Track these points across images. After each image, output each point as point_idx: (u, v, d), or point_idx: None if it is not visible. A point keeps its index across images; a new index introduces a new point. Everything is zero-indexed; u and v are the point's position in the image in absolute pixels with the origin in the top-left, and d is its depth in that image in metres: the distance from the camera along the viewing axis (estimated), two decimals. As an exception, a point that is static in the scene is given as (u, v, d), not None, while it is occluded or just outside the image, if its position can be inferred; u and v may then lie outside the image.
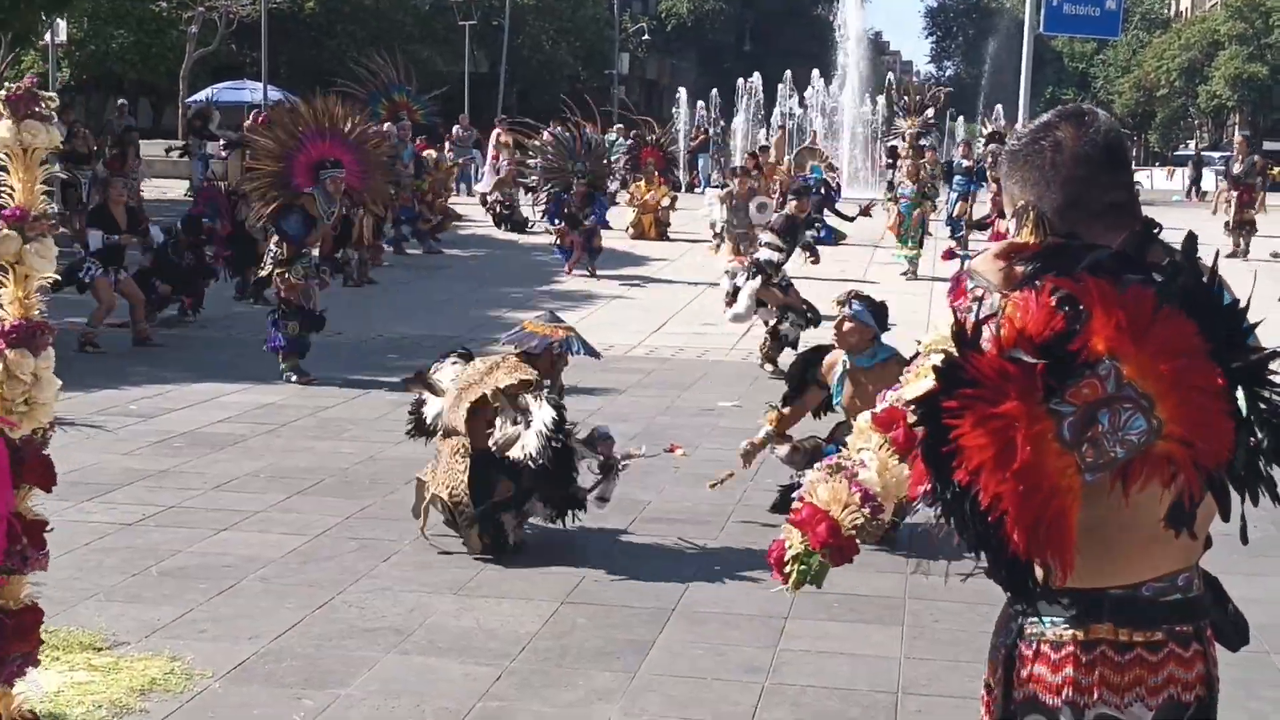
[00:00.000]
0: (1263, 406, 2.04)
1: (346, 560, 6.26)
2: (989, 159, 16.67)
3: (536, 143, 19.25)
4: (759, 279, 11.35)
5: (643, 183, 22.76)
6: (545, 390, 6.36)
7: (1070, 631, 2.24)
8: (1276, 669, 5.18)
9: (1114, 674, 2.21)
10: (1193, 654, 2.25)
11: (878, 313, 7.07)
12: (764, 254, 11.62)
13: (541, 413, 6.18)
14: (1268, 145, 38.38)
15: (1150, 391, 2.00)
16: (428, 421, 6.84)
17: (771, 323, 11.52)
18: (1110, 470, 2.03)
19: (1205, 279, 2.09)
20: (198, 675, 4.87)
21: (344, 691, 4.79)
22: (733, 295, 11.55)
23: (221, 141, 23.86)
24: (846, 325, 6.97)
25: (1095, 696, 2.22)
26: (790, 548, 2.87)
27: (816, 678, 5.04)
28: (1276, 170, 33.78)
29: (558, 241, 18.34)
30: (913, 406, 2.12)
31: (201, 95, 36.51)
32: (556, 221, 18.27)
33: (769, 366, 11.45)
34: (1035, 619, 2.28)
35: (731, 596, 5.91)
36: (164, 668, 4.91)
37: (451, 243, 21.33)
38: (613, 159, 19.88)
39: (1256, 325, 2.09)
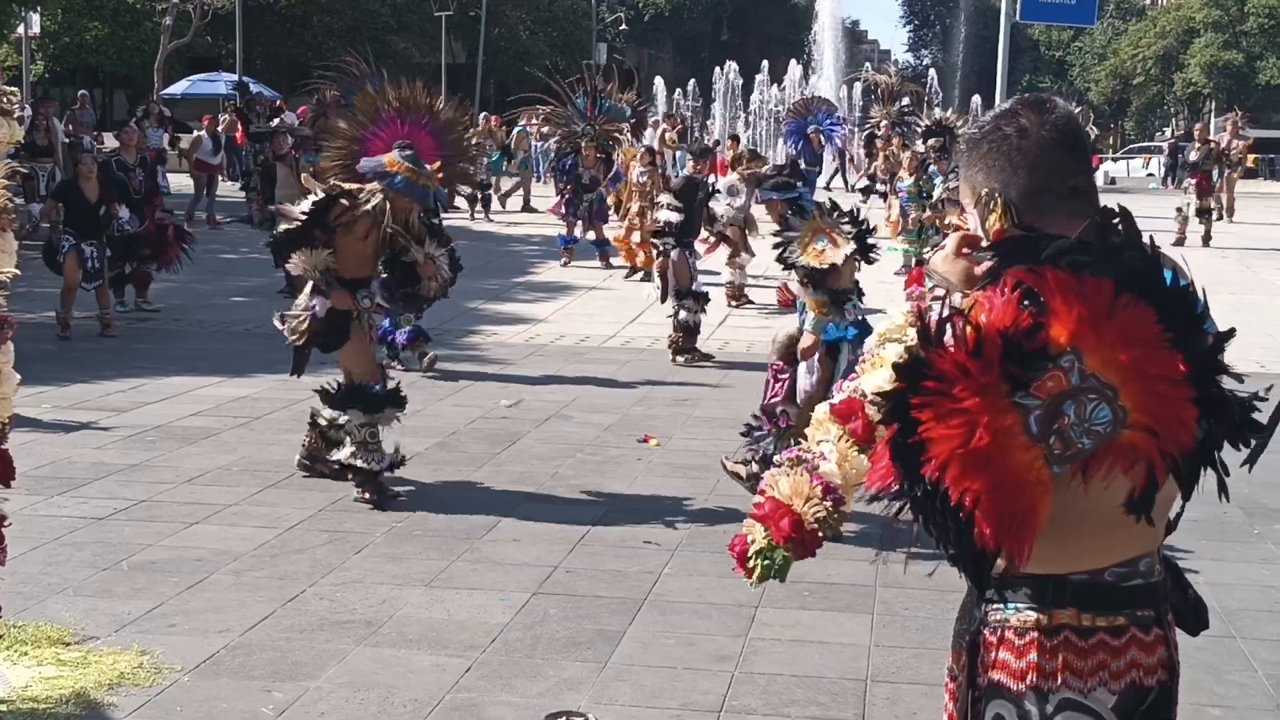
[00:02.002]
0: (1213, 392, 2.06)
1: (318, 553, 6.25)
2: (931, 154, 16.36)
3: (550, 109, 18.55)
4: (658, 254, 11.47)
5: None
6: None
7: (1034, 617, 2.26)
8: (1244, 654, 5.22)
9: (1077, 659, 2.22)
10: (1154, 638, 2.26)
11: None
12: (663, 215, 11.67)
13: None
14: (1246, 131, 38.53)
15: (1114, 381, 2.02)
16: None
17: (672, 312, 11.52)
18: (1078, 461, 2.04)
19: (1155, 263, 2.10)
20: (167, 669, 4.86)
21: (313, 684, 4.78)
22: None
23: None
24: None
25: (1059, 681, 2.23)
26: (753, 542, 2.88)
27: (786, 666, 5.05)
28: (1249, 156, 33.90)
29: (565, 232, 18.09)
30: (878, 401, 2.12)
31: (177, 88, 36.36)
32: (565, 190, 17.87)
33: (680, 359, 11.43)
34: (999, 606, 2.29)
35: (702, 586, 5.93)
36: (133, 662, 4.90)
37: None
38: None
39: (1207, 310, 2.11)
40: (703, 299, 11.66)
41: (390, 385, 7.35)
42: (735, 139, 29.58)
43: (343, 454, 7.13)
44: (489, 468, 7.93)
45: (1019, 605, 2.27)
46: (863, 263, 6.98)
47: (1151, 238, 2.16)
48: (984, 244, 2.33)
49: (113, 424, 8.75)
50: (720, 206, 13.86)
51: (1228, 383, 2.10)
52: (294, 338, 7.22)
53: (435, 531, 6.63)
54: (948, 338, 2.06)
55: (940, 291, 2.34)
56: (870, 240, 7.01)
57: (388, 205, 7.11)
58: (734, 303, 14.62)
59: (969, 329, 2.04)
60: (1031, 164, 2.32)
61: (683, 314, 11.45)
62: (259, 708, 4.59)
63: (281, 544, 6.38)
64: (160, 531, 6.50)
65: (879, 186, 20.17)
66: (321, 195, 7.10)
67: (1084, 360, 2.02)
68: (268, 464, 7.80)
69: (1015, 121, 2.35)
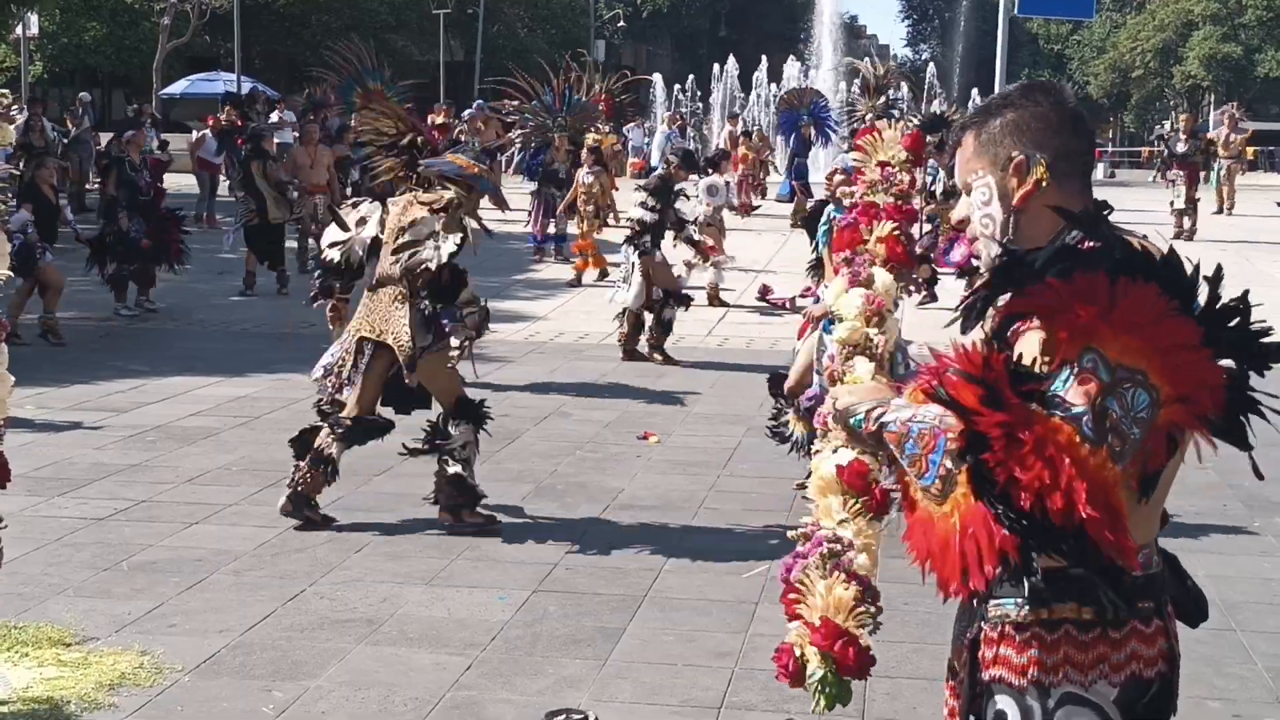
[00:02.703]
0: (1230, 333, 2.09)
1: (318, 552, 6.26)
2: (930, 148, 16.18)
3: (517, 103, 18.51)
4: (638, 253, 11.31)
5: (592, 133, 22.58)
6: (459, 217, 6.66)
7: (1035, 612, 2.26)
8: (1244, 646, 5.22)
9: (1078, 652, 2.23)
10: (1154, 630, 2.27)
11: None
12: (636, 212, 11.57)
13: (446, 244, 6.55)
14: (1245, 124, 38.48)
15: (1139, 365, 2.05)
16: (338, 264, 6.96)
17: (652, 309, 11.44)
18: (1135, 451, 2.08)
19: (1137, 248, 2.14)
20: (167, 669, 4.86)
21: (314, 683, 4.79)
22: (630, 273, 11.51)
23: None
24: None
25: (1060, 675, 2.23)
26: (812, 673, 2.89)
27: (786, 662, 5.04)
28: (1250, 148, 33.86)
29: (533, 230, 18.22)
30: (957, 455, 2.10)
31: (175, 88, 36.34)
32: (534, 182, 17.91)
33: (659, 356, 11.34)
34: (1000, 602, 2.30)
35: (703, 583, 5.93)
36: (134, 662, 4.91)
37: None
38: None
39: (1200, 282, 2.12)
40: (685, 300, 11.62)
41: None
42: (735, 117, 29.57)
43: (453, 469, 6.70)
44: (489, 465, 7.90)
45: (1020, 601, 2.28)
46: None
47: (1142, 236, 2.18)
48: (1010, 207, 2.37)
49: (113, 424, 8.76)
50: (698, 208, 13.83)
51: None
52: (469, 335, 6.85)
53: (435, 530, 6.63)
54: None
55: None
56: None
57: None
58: (717, 303, 14.53)
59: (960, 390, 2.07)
60: (1067, 130, 2.38)
61: (666, 313, 11.42)
62: (259, 707, 4.60)
63: (282, 543, 6.38)
64: (160, 532, 6.51)
65: None
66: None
67: (1104, 354, 2.06)
68: (267, 463, 7.80)
69: (1046, 93, 2.41)
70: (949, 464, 2.14)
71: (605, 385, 10.32)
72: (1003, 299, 2.18)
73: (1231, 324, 2.09)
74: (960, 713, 2.43)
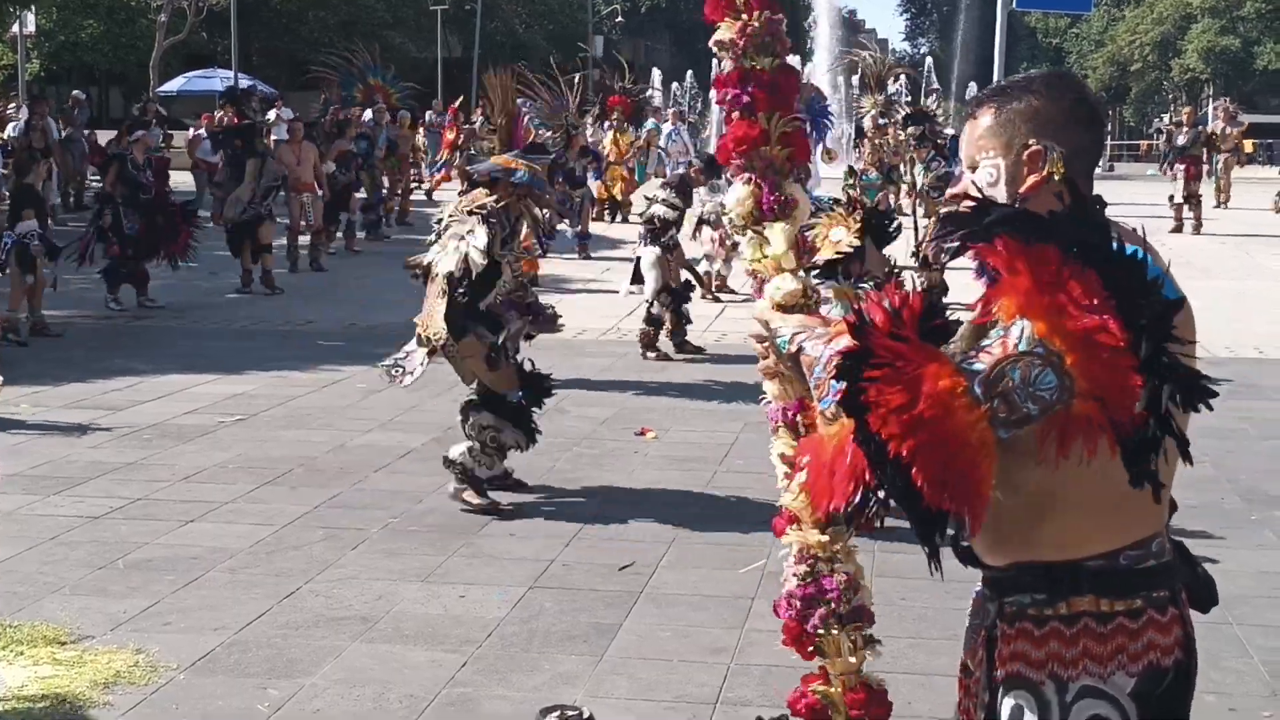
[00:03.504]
0: (1164, 360, 2.01)
1: (314, 549, 6.25)
2: (911, 143, 16.02)
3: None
4: (656, 248, 11.34)
5: (613, 133, 22.51)
6: (502, 217, 6.79)
7: (1052, 606, 2.26)
8: (1240, 640, 5.21)
9: (1097, 645, 2.23)
10: (1170, 618, 2.27)
11: None
12: (659, 210, 11.58)
13: (475, 236, 6.62)
14: (1242, 118, 38.45)
15: (1059, 348, 2.00)
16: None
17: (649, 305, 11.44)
18: (1025, 427, 2.03)
19: (1104, 230, 2.08)
20: (163, 667, 4.86)
21: (309, 681, 4.78)
22: (636, 270, 11.56)
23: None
24: None
25: (1080, 669, 2.23)
26: None
27: (782, 657, 4.98)
28: (1248, 141, 33.83)
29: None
30: (836, 363, 2.12)
31: (172, 85, 36.32)
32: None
33: (651, 354, 11.35)
34: (1016, 598, 2.30)
35: (699, 579, 5.92)
36: (129, 660, 4.90)
37: (421, 228, 21.25)
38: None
39: (1161, 280, 2.07)
40: (680, 297, 11.60)
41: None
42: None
43: (455, 450, 6.94)
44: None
45: (1036, 595, 2.28)
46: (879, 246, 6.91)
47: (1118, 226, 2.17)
48: (1015, 193, 2.35)
49: (109, 422, 8.75)
50: (708, 201, 13.84)
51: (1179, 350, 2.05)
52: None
53: (431, 527, 6.63)
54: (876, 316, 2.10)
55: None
56: (886, 221, 7.01)
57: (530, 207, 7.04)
58: (707, 295, 14.47)
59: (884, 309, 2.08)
60: (1084, 127, 2.37)
61: (655, 308, 11.43)
62: (255, 705, 4.59)
63: (277, 541, 6.37)
64: (156, 530, 6.50)
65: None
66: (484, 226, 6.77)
67: (1032, 327, 2.02)
68: (263, 461, 7.80)
69: (1071, 88, 2.40)
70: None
71: (603, 381, 10.30)
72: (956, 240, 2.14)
73: (1163, 354, 2.00)
74: (976, 710, 2.42)
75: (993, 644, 2.34)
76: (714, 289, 14.56)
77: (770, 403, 3.22)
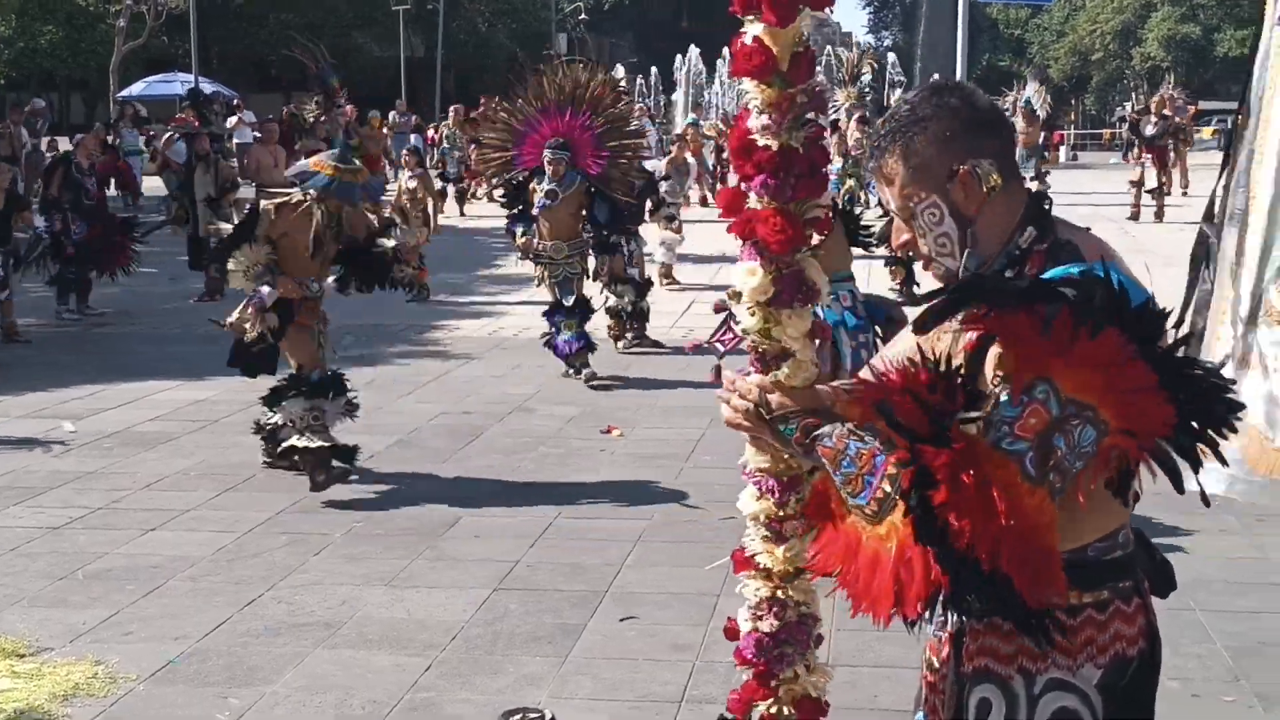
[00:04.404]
0: (1188, 384, 2.08)
1: (276, 555, 6.20)
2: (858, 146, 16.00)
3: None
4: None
5: None
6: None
7: None
8: (1203, 625, 5.23)
9: (1066, 638, 2.22)
10: (1134, 608, 2.28)
11: None
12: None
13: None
14: (1203, 105, 38.70)
15: (1091, 401, 2.03)
16: None
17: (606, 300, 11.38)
18: (1073, 482, 2.06)
19: (1115, 286, 2.09)
20: (122, 678, 4.81)
21: (270, 688, 4.74)
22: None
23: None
24: None
25: (1049, 661, 2.23)
26: None
27: (748, 654, 5.02)
28: (1209, 129, 34.09)
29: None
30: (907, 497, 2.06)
31: (133, 89, 36.07)
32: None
33: (621, 343, 11.37)
34: None
35: (664, 577, 5.90)
36: (88, 672, 4.85)
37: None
38: None
39: (1168, 316, 2.11)
40: (637, 287, 11.57)
41: (330, 372, 7.42)
42: (698, 106, 29.51)
43: (291, 439, 7.16)
44: (451, 463, 7.89)
45: None
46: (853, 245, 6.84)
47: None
48: (965, 220, 2.32)
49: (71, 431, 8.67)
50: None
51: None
52: (246, 329, 7.14)
53: (396, 530, 6.59)
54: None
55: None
56: (860, 223, 6.96)
57: (318, 208, 7.16)
58: (665, 281, 14.48)
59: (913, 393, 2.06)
60: (990, 127, 2.33)
61: (611, 300, 11.42)
62: (215, 714, 4.55)
63: (239, 548, 6.32)
64: (116, 539, 6.44)
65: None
66: (248, 211, 7.32)
67: (1057, 387, 2.03)
68: (226, 467, 7.74)
69: (954, 94, 2.34)
70: (887, 488, 2.10)
71: (568, 381, 10.27)
72: (962, 313, 2.12)
73: (1191, 379, 2.08)
74: (944, 708, 2.40)
75: (960, 640, 2.33)
76: (666, 277, 14.56)
77: (751, 469, 2.70)
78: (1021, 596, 2.02)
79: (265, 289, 7.05)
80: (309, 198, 7.13)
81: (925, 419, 2.02)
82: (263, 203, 7.35)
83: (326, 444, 7.10)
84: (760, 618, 2.80)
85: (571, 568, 6.03)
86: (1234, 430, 2.11)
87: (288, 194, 7.33)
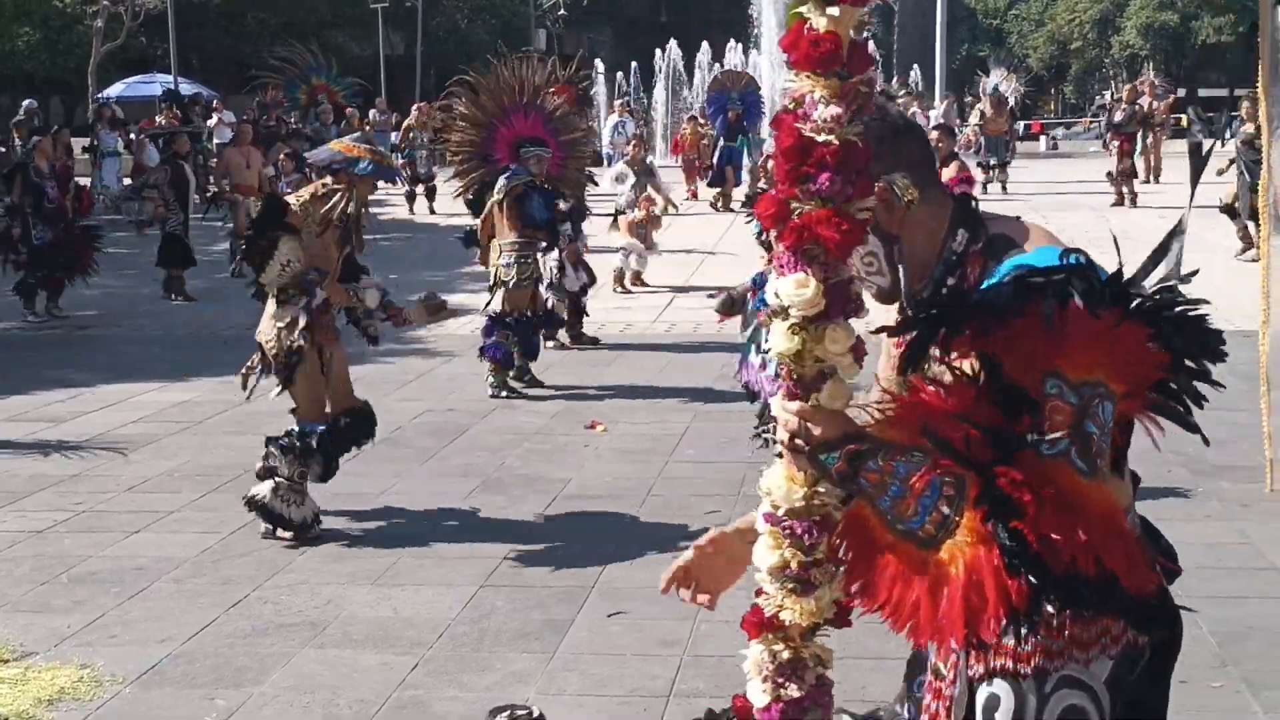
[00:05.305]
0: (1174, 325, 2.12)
1: (261, 555, 6.18)
2: None
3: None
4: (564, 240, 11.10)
5: None
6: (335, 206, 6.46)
7: None
8: (1188, 612, 5.23)
9: (1083, 630, 2.23)
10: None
11: None
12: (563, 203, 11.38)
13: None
14: (1182, 93, 38.85)
15: (1098, 377, 2.06)
16: None
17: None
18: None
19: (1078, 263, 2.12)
20: (108, 682, 4.79)
21: (257, 689, 4.72)
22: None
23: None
24: None
25: (1065, 658, 2.24)
26: None
27: (735, 647, 4.94)
28: (1182, 117, 34.15)
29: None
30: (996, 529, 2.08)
31: (112, 91, 35.91)
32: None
33: (550, 343, 11.16)
34: None
35: (651, 572, 5.87)
36: (73, 676, 4.83)
37: (368, 228, 21.14)
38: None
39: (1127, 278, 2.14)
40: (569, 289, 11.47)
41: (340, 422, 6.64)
42: (694, 118, 29.48)
43: (258, 489, 6.43)
44: (435, 461, 7.87)
45: None
46: None
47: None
48: (889, 237, 2.33)
49: (53, 434, 8.63)
50: (619, 198, 13.80)
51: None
52: (290, 342, 6.35)
53: (381, 528, 6.58)
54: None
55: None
56: None
57: (354, 194, 6.60)
58: (619, 287, 14.38)
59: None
60: (905, 141, 2.34)
61: (550, 303, 11.39)
62: (202, 716, 4.53)
63: (224, 549, 6.30)
64: (101, 542, 6.41)
65: None
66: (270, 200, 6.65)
67: (1066, 376, 2.05)
68: (210, 468, 7.71)
69: (878, 111, 2.32)
70: (945, 509, 2.09)
71: (551, 374, 10.25)
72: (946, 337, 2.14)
73: (1175, 318, 2.10)
74: (951, 712, 2.39)
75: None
76: (627, 283, 14.46)
77: (772, 508, 2.44)
78: (1125, 588, 2.07)
79: (315, 295, 6.39)
80: (344, 182, 6.51)
81: (987, 444, 2.04)
82: (291, 196, 6.75)
83: (294, 519, 6.36)
84: (782, 685, 2.53)
85: (558, 564, 6.02)
86: (1223, 358, 2.13)
87: (322, 182, 6.67)
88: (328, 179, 6.59)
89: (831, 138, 2.20)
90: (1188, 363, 2.11)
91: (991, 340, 2.08)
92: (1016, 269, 2.13)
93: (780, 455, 2.35)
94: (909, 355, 2.14)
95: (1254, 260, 15.50)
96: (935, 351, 2.13)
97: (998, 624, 2.06)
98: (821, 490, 2.32)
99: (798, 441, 2.26)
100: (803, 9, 2.23)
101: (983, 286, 2.19)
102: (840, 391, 2.28)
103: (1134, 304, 2.08)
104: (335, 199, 6.48)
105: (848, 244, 2.21)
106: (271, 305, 6.44)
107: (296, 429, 6.48)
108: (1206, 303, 2.15)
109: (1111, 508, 2.08)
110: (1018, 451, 2.04)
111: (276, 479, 6.39)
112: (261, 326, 6.48)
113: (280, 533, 6.39)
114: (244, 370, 6.57)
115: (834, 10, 2.19)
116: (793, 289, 2.24)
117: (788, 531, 2.38)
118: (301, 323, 6.32)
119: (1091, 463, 2.05)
